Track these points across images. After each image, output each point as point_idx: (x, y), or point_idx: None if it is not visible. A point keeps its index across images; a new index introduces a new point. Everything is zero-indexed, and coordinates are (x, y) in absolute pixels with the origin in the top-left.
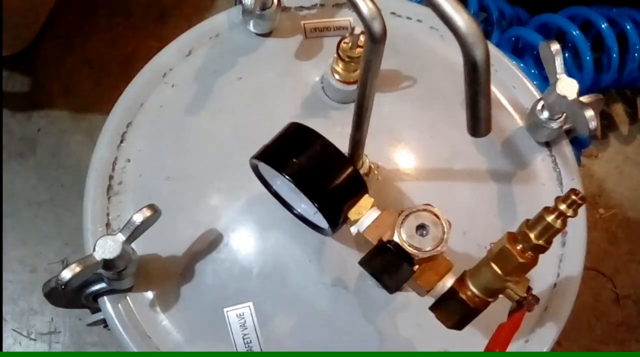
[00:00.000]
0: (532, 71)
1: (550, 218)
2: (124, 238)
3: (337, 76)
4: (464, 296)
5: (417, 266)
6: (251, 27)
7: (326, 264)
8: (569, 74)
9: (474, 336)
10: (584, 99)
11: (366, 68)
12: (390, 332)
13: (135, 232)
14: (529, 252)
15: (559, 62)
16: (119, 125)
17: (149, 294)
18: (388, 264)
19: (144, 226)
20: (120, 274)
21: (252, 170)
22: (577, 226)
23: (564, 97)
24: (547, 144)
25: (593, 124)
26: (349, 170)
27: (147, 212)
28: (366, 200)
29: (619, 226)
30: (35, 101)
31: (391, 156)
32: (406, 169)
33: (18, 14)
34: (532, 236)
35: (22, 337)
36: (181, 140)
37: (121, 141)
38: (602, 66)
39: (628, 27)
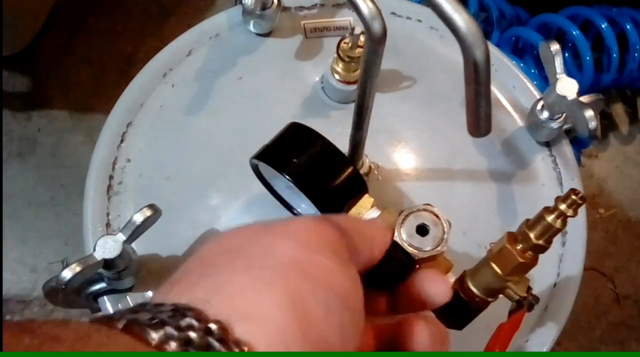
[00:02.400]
0: (532, 71)
1: (550, 218)
2: (124, 238)
3: (337, 76)
4: (464, 296)
5: (417, 266)
6: (251, 27)
7: None
8: (569, 74)
9: (474, 336)
10: (584, 99)
11: (366, 68)
12: None
13: (136, 232)
14: (529, 252)
15: (558, 62)
16: (119, 125)
17: (149, 294)
18: (390, 267)
19: (145, 226)
20: (121, 273)
21: (252, 170)
22: (577, 226)
23: (564, 97)
24: (547, 144)
25: (593, 124)
26: (349, 170)
27: (148, 212)
28: (366, 200)
29: (619, 226)
30: (35, 101)
31: (391, 156)
32: (406, 169)
33: (18, 14)
34: (532, 235)
35: None
36: (181, 140)
37: (121, 141)
38: (602, 66)
39: (628, 27)
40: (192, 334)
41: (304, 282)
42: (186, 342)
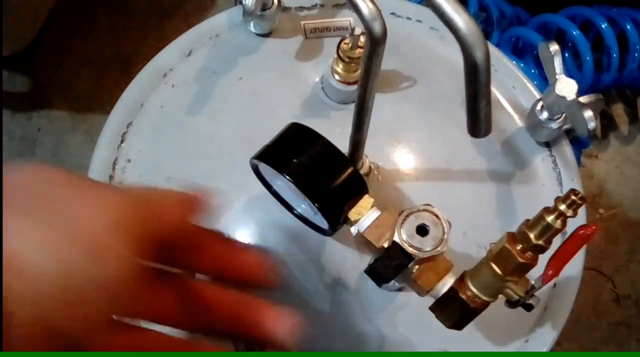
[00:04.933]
0: (532, 71)
1: (550, 218)
2: None
3: (337, 76)
4: (464, 296)
5: (417, 266)
6: (251, 28)
7: (326, 264)
8: (569, 74)
9: (474, 336)
10: (583, 99)
11: (366, 68)
12: (390, 332)
13: None
14: (529, 252)
15: (557, 63)
16: (119, 125)
17: None
18: (390, 267)
19: None
20: None
21: (252, 170)
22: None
23: (563, 97)
24: (547, 144)
25: (592, 125)
26: (349, 170)
27: None
28: (366, 200)
29: (619, 226)
30: (35, 101)
31: (391, 156)
32: (406, 169)
33: (18, 14)
34: (531, 236)
35: None
36: (181, 141)
37: (121, 141)
38: (602, 66)
39: (628, 27)
40: None
41: (85, 259)
42: None
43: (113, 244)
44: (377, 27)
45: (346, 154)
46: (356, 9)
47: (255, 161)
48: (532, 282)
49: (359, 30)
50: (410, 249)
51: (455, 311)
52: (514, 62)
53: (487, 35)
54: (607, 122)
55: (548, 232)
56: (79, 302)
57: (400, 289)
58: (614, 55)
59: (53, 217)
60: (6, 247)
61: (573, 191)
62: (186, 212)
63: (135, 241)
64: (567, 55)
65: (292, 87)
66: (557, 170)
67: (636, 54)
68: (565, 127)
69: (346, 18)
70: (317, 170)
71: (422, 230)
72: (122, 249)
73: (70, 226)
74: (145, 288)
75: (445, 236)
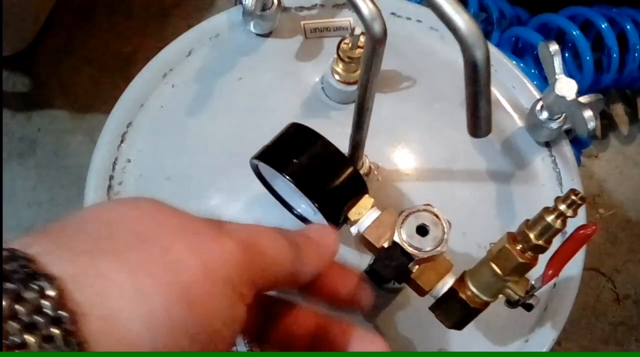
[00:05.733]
0: (532, 71)
1: (550, 218)
2: None
3: (337, 77)
4: (464, 296)
5: (417, 266)
6: (251, 28)
7: None
8: (569, 74)
9: (474, 336)
10: (583, 99)
11: (366, 69)
12: (390, 332)
13: None
14: (529, 252)
15: (557, 63)
16: (119, 125)
17: None
18: (390, 268)
19: None
20: None
21: (252, 170)
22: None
23: (563, 97)
24: (547, 144)
25: (592, 125)
26: (349, 170)
27: None
28: (366, 200)
29: (619, 226)
30: (35, 101)
31: (391, 156)
32: (406, 169)
33: (18, 14)
34: (531, 236)
35: None
36: (181, 141)
37: (121, 141)
38: (602, 66)
39: (628, 27)
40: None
41: (181, 309)
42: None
43: (208, 292)
44: (377, 27)
45: (346, 154)
46: (356, 9)
47: (255, 161)
48: (532, 282)
49: (359, 30)
50: (410, 249)
51: (455, 311)
52: (514, 62)
53: (487, 35)
54: (607, 122)
55: (548, 232)
56: (166, 349)
57: (400, 289)
58: (614, 55)
59: (150, 261)
60: (96, 291)
61: (573, 191)
62: (292, 257)
63: (234, 288)
64: (567, 55)
65: (292, 87)
66: (557, 170)
67: (636, 54)
68: (565, 127)
69: (346, 18)
70: (317, 170)
71: (422, 230)
72: (218, 297)
73: (167, 273)
74: (236, 332)
75: (445, 236)
